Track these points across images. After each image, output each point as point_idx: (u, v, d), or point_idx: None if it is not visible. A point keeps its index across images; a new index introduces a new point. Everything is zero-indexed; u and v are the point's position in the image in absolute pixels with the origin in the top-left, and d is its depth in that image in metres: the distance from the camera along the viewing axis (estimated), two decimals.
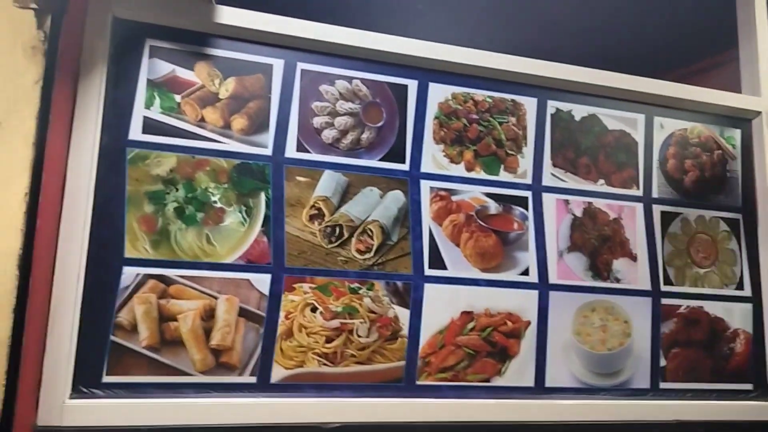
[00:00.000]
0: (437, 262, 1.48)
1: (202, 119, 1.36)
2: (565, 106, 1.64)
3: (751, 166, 1.79)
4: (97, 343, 1.24)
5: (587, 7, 2.39)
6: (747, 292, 1.72)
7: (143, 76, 1.34)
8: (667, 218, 1.68)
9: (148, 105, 1.33)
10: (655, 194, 1.68)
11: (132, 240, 1.28)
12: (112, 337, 1.25)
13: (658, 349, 1.60)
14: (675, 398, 1.59)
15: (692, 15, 2.33)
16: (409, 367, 1.42)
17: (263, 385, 1.32)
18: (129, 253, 1.28)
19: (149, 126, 1.33)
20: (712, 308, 1.67)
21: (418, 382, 1.42)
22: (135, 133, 1.32)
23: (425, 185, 1.51)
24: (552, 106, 1.63)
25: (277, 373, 1.33)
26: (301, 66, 1.45)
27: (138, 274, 1.28)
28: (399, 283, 1.44)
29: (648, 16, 2.41)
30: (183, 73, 1.36)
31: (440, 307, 1.46)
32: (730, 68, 2.00)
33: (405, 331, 1.43)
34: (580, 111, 1.65)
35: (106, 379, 1.24)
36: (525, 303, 1.52)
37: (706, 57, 2.50)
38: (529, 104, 1.61)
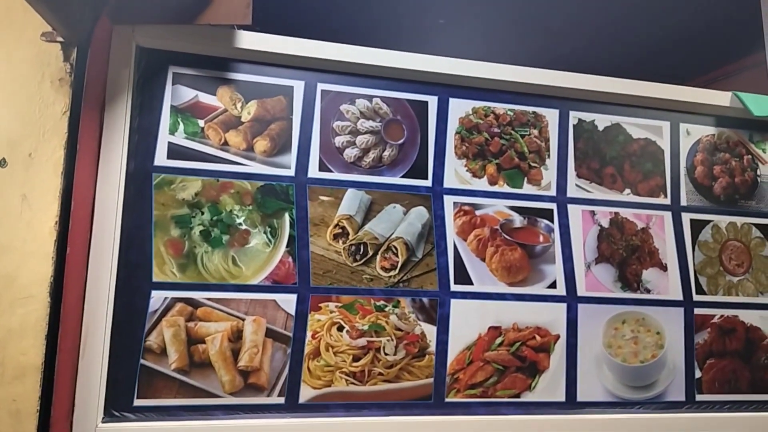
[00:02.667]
0: (463, 277, 1.47)
1: (226, 143, 1.38)
2: (587, 116, 1.63)
3: None
4: (127, 366, 1.26)
5: (608, 16, 2.38)
6: None
7: (167, 103, 1.36)
8: (697, 226, 1.65)
9: (173, 130, 1.36)
10: (683, 202, 1.66)
11: (159, 264, 1.30)
12: (142, 361, 1.27)
13: (693, 361, 1.56)
14: (712, 410, 1.55)
15: (715, 19, 2.30)
16: (438, 384, 1.41)
17: (292, 406, 1.32)
18: (157, 277, 1.30)
19: (174, 151, 1.35)
20: (748, 317, 1.63)
21: (447, 399, 1.41)
22: (160, 158, 1.34)
23: (449, 200, 1.51)
24: (574, 116, 1.62)
25: (306, 393, 1.33)
26: (321, 86, 1.46)
27: (166, 298, 1.29)
28: (425, 300, 1.44)
29: (670, 23, 2.39)
30: (206, 98, 1.39)
31: (467, 322, 1.45)
32: (757, 71, 1.96)
33: (432, 347, 1.42)
34: (603, 120, 1.64)
35: (137, 402, 1.25)
36: (553, 316, 1.50)
37: (731, 61, 2.46)
38: (550, 116, 1.60)
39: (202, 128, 1.37)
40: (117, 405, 1.24)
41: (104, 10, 1.31)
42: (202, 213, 1.34)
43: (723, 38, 2.45)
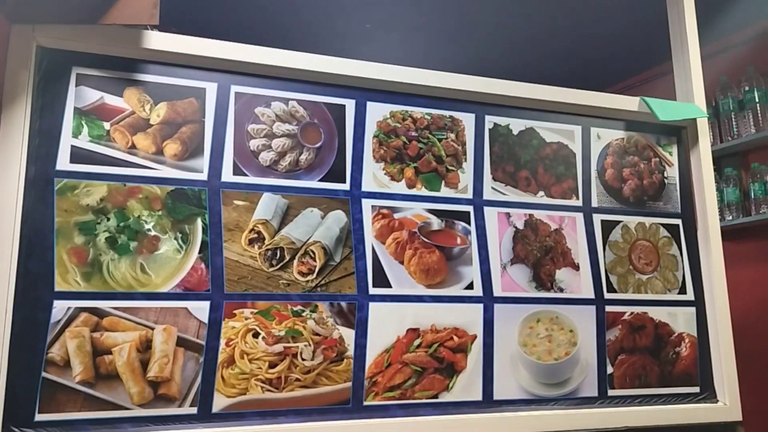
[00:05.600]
0: (381, 280, 1.47)
1: (133, 146, 1.34)
2: (502, 120, 1.66)
3: (688, 172, 1.83)
4: (28, 380, 1.20)
5: (526, 25, 2.45)
6: (690, 296, 1.75)
7: (70, 105, 1.31)
8: (607, 227, 1.71)
9: (76, 134, 1.30)
10: (594, 204, 1.71)
11: (62, 273, 1.25)
12: (44, 374, 1.21)
13: (605, 357, 1.62)
14: (623, 405, 1.60)
15: (627, 31, 2.40)
16: (356, 388, 1.40)
17: (204, 416, 1.29)
18: (59, 286, 1.24)
19: (77, 155, 1.30)
20: (657, 313, 1.70)
21: (366, 403, 1.41)
22: (63, 162, 1.29)
23: (367, 204, 1.51)
24: (490, 121, 1.65)
25: (219, 402, 1.30)
26: (235, 89, 1.44)
27: (69, 308, 1.24)
28: (343, 304, 1.43)
29: (589, 32, 2.47)
30: (112, 100, 1.34)
31: (386, 325, 1.45)
32: (666, 80, 2.05)
33: (351, 351, 1.42)
34: (517, 125, 1.67)
35: (39, 417, 1.20)
36: (470, 317, 1.52)
37: (642, 71, 2.57)
38: (467, 120, 1.63)
39: (108, 131, 1.33)
40: (16, 420, 1.18)
41: (1, 8, 1.25)
42: (108, 219, 1.29)
43: (638, 47, 2.55)
